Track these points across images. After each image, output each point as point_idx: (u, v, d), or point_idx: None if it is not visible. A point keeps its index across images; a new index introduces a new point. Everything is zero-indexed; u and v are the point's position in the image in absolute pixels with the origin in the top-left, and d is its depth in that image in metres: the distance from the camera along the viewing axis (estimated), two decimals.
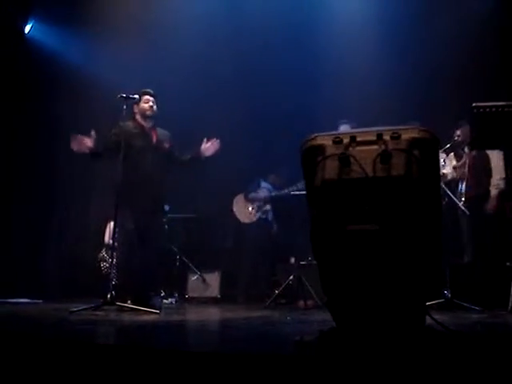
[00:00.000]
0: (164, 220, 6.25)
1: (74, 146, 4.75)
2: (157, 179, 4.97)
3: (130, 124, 4.99)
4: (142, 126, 5.06)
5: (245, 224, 7.07)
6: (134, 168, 4.83)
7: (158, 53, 7.20)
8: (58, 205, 7.35)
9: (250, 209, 7.06)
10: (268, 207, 7.04)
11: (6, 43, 6.77)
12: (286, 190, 6.60)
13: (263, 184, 7.16)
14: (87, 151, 4.76)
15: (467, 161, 5.57)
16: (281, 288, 5.85)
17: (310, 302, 5.63)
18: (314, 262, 5.81)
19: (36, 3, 7.24)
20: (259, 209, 7.04)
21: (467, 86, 6.14)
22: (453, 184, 5.62)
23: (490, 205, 5.39)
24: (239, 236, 7.34)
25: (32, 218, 6.91)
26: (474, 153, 5.51)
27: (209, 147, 5.12)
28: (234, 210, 7.14)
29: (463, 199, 5.46)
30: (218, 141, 5.13)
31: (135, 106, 5.04)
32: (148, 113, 5.03)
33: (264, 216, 7.04)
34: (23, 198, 6.86)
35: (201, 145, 5.13)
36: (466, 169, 5.57)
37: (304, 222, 5.93)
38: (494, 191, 5.40)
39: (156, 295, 5.59)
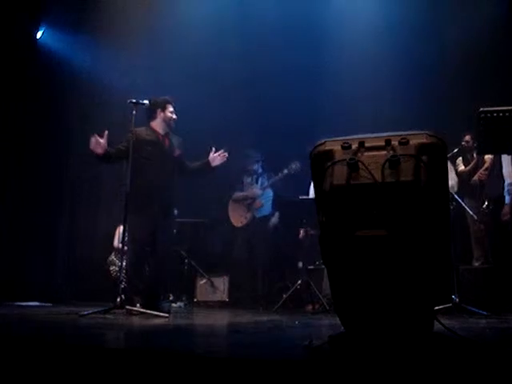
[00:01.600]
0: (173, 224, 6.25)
1: (92, 145, 4.76)
2: (166, 185, 4.96)
3: (142, 130, 4.98)
4: (156, 132, 5.04)
5: (244, 228, 6.92)
6: (145, 174, 4.82)
7: (166, 57, 7.23)
8: (68, 208, 7.39)
9: (241, 211, 6.89)
10: (260, 202, 6.84)
11: (19, 48, 6.83)
12: (280, 174, 6.52)
13: (246, 180, 7.01)
14: (100, 152, 4.76)
15: (487, 164, 5.51)
16: (289, 293, 5.85)
17: (317, 306, 5.65)
18: (322, 267, 5.90)
19: (48, 10, 7.30)
20: (249, 207, 6.88)
21: (474, 92, 6.13)
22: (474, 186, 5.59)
23: (505, 211, 5.25)
24: (247, 240, 7.35)
25: (42, 221, 6.95)
26: (491, 156, 5.46)
27: (216, 158, 5.12)
28: (230, 215, 7.03)
29: (486, 202, 5.41)
30: (226, 154, 5.13)
31: (159, 112, 5.00)
32: (172, 122, 5.05)
33: (259, 214, 6.85)
34: (33, 201, 6.90)
35: (209, 153, 5.13)
36: (484, 171, 5.55)
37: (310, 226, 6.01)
38: (507, 197, 5.31)
39: (165, 299, 5.60)
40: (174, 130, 5.14)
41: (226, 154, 5.12)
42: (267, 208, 6.94)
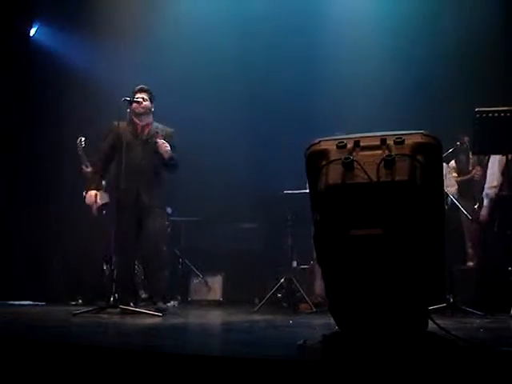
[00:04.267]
0: (167, 222, 6.19)
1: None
2: (147, 174, 4.87)
3: (123, 124, 4.93)
4: (134, 124, 5.02)
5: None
6: (124, 164, 4.79)
7: (162, 54, 7.22)
8: (62, 206, 7.35)
9: None
10: None
11: (12, 45, 6.80)
12: None
13: None
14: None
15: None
16: (271, 292, 5.81)
17: (303, 305, 5.64)
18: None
19: (41, 6, 7.27)
20: None
21: (470, 92, 6.14)
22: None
23: (483, 213, 5.27)
24: (240, 239, 7.34)
25: (35, 219, 6.92)
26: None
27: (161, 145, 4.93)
28: None
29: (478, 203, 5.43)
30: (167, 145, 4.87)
31: (128, 105, 4.93)
32: (137, 110, 4.96)
33: None
34: (26, 199, 6.87)
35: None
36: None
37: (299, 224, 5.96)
38: (485, 200, 5.29)
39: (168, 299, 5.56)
40: (165, 122, 5.10)
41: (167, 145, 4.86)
42: None
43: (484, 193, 5.25)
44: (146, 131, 5.03)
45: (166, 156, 4.83)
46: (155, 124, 5.08)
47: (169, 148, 4.83)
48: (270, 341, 2.90)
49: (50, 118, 7.11)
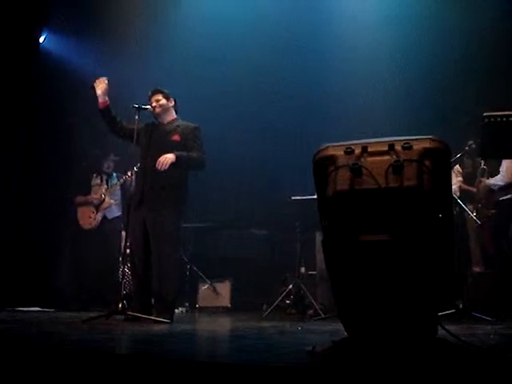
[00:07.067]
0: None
1: (94, 82, 4.91)
2: (160, 174, 4.69)
3: (149, 124, 5.03)
4: (157, 125, 5.03)
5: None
6: (140, 168, 4.84)
7: (170, 60, 7.25)
8: (71, 210, 7.38)
9: (90, 212, 6.75)
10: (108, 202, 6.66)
11: (21, 52, 6.85)
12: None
13: None
14: (100, 94, 4.87)
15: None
16: (279, 298, 5.81)
17: (311, 312, 5.63)
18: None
19: (50, 14, 7.32)
20: (98, 209, 6.72)
21: (478, 96, 6.12)
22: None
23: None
24: (248, 245, 7.34)
25: (44, 225, 6.94)
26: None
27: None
28: (78, 217, 6.82)
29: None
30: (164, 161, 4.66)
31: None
32: (154, 111, 4.95)
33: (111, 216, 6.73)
34: (34, 205, 6.90)
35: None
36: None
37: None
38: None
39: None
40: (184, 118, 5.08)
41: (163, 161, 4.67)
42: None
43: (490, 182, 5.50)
44: (163, 130, 4.97)
45: (165, 168, 4.64)
46: (179, 121, 5.03)
47: (166, 161, 4.62)
48: (278, 347, 2.89)
49: (59, 125, 7.15)
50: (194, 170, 5.07)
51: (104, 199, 6.69)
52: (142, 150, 4.93)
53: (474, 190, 5.74)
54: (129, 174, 5.94)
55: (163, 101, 4.99)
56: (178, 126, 4.97)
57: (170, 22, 7.37)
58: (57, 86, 7.19)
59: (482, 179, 5.68)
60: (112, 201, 6.73)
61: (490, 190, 5.52)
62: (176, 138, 4.89)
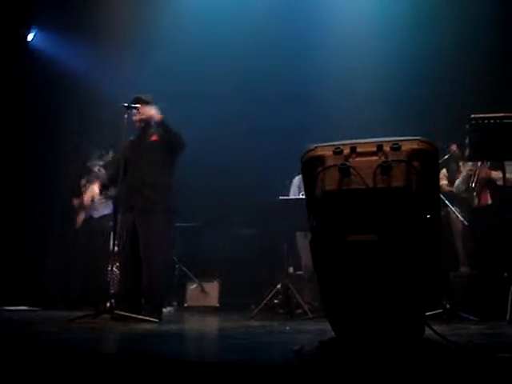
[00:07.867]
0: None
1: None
2: (146, 177, 4.77)
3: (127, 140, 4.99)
4: (139, 135, 5.04)
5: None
6: (126, 172, 4.83)
7: (159, 60, 7.21)
8: (60, 209, 7.34)
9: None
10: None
11: (9, 51, 6.80)
12: None
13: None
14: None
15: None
16: (267, 298, 5.81)
17: (299, 311, 5.64)
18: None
19: (39, 12, 7.28)
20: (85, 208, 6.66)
21: (465, 99, 6.15)
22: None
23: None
24: (237, 245, 7.34)
25: (31, 223, 6.91)
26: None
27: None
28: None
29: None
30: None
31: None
32: (136, 125, 4.98)
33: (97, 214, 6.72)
34: (22, 205, 6.86)
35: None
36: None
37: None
38: None
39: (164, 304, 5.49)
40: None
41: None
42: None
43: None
44: (151, 137, 4.97)
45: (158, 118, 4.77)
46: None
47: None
48: (266, 347, 2.90)
49: (49, 123, 7.11)
50: (176, 147, 4.93)
51: (83, 200, 6.28)
52: (128, 160, 4.89)
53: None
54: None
55: (144, 109, 4.91)
56: (156, 128, 4.97)
57: (160, 20, 7.34)
58: (46, 84, 7.15)
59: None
60: (94, 199, 6.52)
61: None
62: (154, 138, 4.92)
